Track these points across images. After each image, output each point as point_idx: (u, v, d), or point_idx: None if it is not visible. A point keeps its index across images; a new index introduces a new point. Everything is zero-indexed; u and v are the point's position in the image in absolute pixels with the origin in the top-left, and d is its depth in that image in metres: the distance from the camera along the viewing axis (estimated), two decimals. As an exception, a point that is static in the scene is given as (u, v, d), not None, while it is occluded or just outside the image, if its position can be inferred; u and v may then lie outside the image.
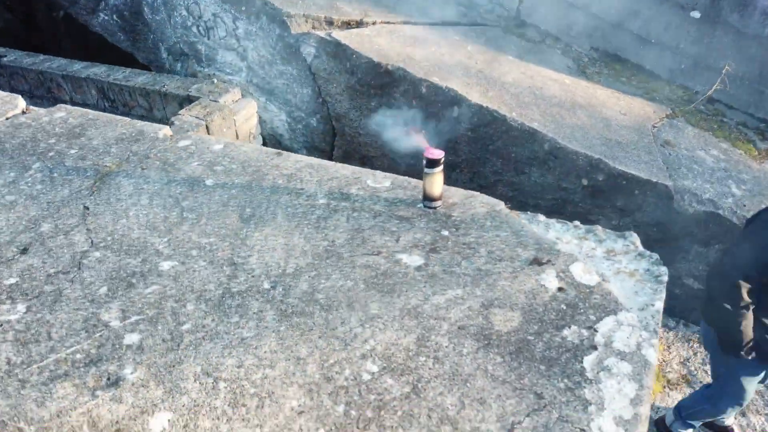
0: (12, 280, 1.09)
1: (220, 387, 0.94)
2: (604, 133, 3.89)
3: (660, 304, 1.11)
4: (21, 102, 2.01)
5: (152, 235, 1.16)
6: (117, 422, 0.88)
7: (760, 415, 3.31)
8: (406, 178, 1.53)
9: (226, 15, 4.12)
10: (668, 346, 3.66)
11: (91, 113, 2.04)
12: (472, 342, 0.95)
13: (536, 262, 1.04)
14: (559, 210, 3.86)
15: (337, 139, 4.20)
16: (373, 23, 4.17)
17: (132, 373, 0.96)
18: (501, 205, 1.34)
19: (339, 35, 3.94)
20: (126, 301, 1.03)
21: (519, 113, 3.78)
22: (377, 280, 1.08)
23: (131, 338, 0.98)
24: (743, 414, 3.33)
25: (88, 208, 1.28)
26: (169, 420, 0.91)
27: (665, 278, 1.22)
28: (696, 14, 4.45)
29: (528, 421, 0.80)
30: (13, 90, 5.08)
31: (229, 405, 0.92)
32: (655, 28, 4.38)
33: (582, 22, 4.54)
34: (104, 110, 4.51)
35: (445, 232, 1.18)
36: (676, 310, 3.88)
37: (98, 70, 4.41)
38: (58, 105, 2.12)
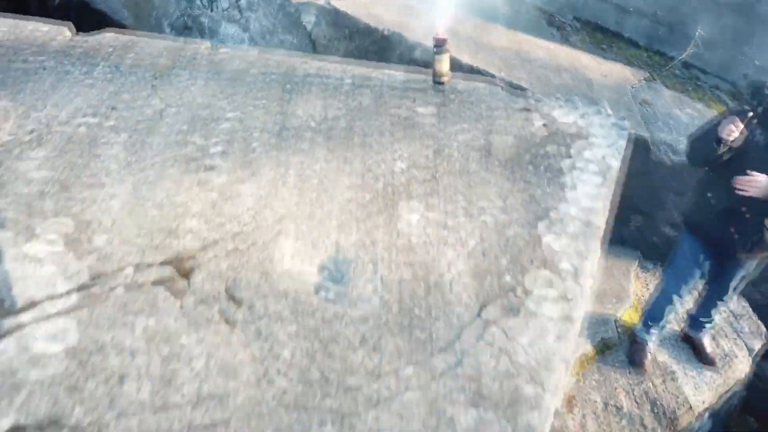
0: (111, 123, 1.39)
1: (290, 172, 1.26)
2: (587, 92, 4.29)
3: (623, 143, 1.47)
4: (70, 29, 2.32)
5: (214, 99, 1.49)
6: (216, 189, 1.19)
7: (729, 339, 3.63)
8: (419, 68, 1.87)
9: None
10: (647, 285, 4.00)
11: (138, 33, 2.38)
12: (476, 153, 1.31)
13: (525, 110, 1.43)
14: None
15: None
16: (370, -11, 4.53)
17: (222, 163, 1.26)
18: (497, 82, 1.69)
19: (338, 3, 4.29)
20: (205, 132, 1.36)
21: (507, 73, 4.12)
22: (400, 122, 1.42)
23: (215, 149, 1.29)
24: (713, 338, 3.64)
25: (155, 87, 1.61)
26: (254, 190, 1.22)
27: (628, 127, 1.55)
28: (669, -15, 4.78)
29: (519, 195, 1.16)
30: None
31: (297, 180, 1.23)
32: None
33: None
34: None
35: (453, 96, 1.56)
36: (654, 257, 4.17)
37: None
38: (104, 29, 2.44)
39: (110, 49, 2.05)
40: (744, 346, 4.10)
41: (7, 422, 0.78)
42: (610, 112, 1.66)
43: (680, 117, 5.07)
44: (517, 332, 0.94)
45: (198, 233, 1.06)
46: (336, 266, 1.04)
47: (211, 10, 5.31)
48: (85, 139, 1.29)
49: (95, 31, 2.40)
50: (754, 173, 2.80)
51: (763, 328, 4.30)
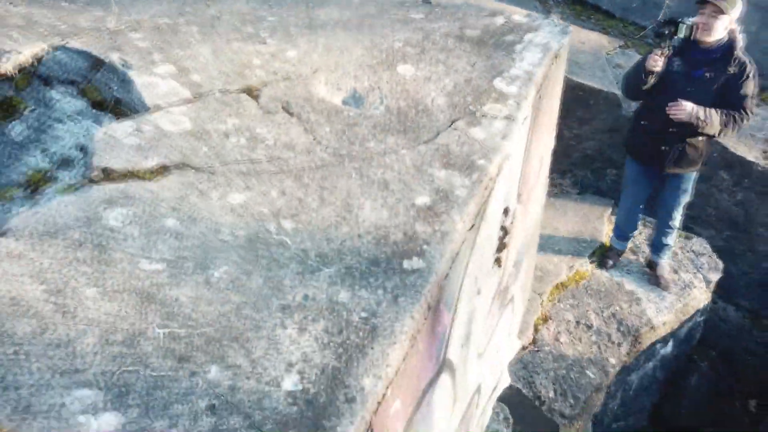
0: (183, 20, 1.84)
1: (319, 45, 1.72)
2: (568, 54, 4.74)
3: (566, 40, 1.95)
4: None
5: (255, 10, 1.93)
6: (269, 52, 1.64)
7: (689, 272, 4.12)
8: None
9: None
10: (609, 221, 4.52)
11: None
12: (452, 38, 1.85)
13: (491, 14, 1.87)
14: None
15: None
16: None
17: (271, 40, 1.71)
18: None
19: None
20: (255, 26, 1.79)
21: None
22: (398, 20, 1.89)
23: (264, 33, 1.73)
24: (675, 271, 4.13)
25: (209, 4, 2.05)
26: (295, 53, 1.69)
27: (570, 31, 2.05)
28: (640, -38, 5.28)
29: (483, 62, 1.68)
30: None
31: (324, 50, 1.69)
32: None
33: None
34: None
35: (437, 8, 2.01)
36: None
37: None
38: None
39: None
40: (702, 279, 4.63)
41: (155, 162, 1.27)
42: (559, 20, 2.14)
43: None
44: (475, 133, 1.43)
45: (260, 75, 1.53)
46: (354, 95, 1.53)
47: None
48: (168, 29, 1.76)
49: None
50: (681, 100, 3.40)
51: (721, 265, 4.83)
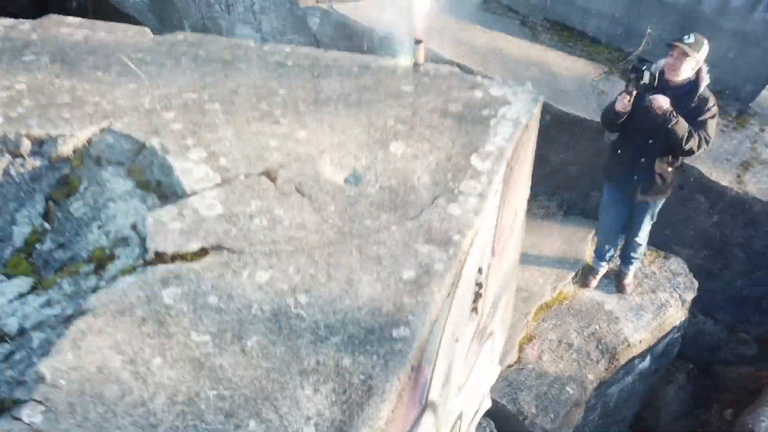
0: (206, 96, 2.16)
1: (324, 124, 2.04)
2: (552, 84, 5.12)
3: (536, 110, 2.28)
4: (150, 31, 3.05)
5: (267, 81, 2.27)
6: (283, 134, 1.99)
7: (666, 291, 4.44)
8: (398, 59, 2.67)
9: None
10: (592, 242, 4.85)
11: (199, 34, 3.16)
12: (437, 115, 2.13)
13: (472, 87, 2.20)
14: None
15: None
16: (366, -5, 5.33)
17: (283, 119, 2.04)
18: (456, 69, 2.50)
19: (338, 7, 5.07)
20: (267, 102, 2.13)
21: (484, 68, 4.94)
22: (391, 94, 2.22)
23: (276, 111, 2.04)
24: (653, 291, 4.44)
25: (227, 75, 2.39)
26: (304, 134, 2.01)
27: (540, 99, 2.37)
28: (624, -8, 5.60)
29: (462, 138, 2.01)
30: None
31: (329, 129, 2.03)
32: (595, 2, 5.50)
33: None
34: None
35: (425, 78, 2.34)
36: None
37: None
38: (175, 32, 3.21)
39: (185, 47, 2.82)
40: (678, 298, 4.98)
41: (196, 245, 1.60)
42: (531, 88, 2.44)
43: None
44: (453, 210, 1.75)
45: (276, 158, 1.84)
46: (354, 174, 1.85)
47: (228, 14, 6.13)
48: (195, 106, 2.08)
49: (168, 34, 3.16)
50: (660, 96, 3.82)
51: (696, 284, 5.17)
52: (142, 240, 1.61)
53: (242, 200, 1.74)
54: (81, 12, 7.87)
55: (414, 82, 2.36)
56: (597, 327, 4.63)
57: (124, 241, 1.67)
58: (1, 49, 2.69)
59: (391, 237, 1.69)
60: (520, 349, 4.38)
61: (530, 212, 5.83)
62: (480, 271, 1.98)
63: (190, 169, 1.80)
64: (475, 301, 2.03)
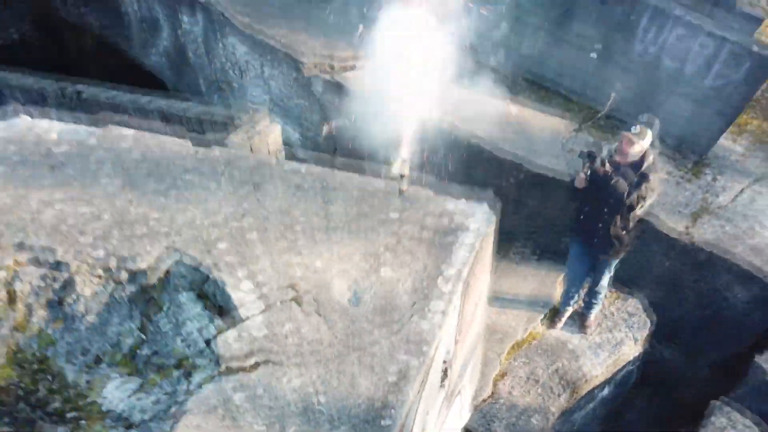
0: (246, 224, 3.04)
1: (333, 251, 2.89)
2: (528, 144, 5.95)
3: (491, 228, 3.11)
4: (190, 142, 3.85)
5: (289, 206, 3.14)
6: (304, 261, 2.84)
7: (621, 331, 5.26)
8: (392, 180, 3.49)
9: (257, 61, 6.15)
10: (560, 284, 5.63)
11: (231, 152, 4.00)
12: (415, 242, 2.95)
13: (441, 214, 3.03)
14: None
15: (336, 152, 6.13)
16: (364, 64, 6.06)
17: (303, 248, 2.90)
18: (431, 192, 3.34)
19: (338, 77, 5.91)
20: (291, 231, 2.98)
21: (466, 126, 5.69)
22: (381, 222, 3.09)
23: (300, 239, 2.94)
24: (610, 330, 5.26)
25: (260, 200, 3.23)
26: (320, 262, 2.86)
27: (493, 219, 3.21)
28: (593, 55, 6.40)
29: (431, 261, 2.81)
30: (91, 119, 6.90)
31: (336, 256, 2.88)
32: (567, 64, 6.36)
33: (515, 58, 6.40)
34: (166, 133, 6.34)
35: (408, 203, 3.17)
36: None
37: (160, 103, 6.27)
38: (212, 147, 4.03)
39: (222, 166, 3.62)
40: (632, 337, 5.83)
41: (252, 360, 2.44)
42: (487, 209, 3.25)
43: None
44: (423, 325, 2.58)
45: (302, 285, 2.67)
46: (356, 296, 2.68)
47: (241, 77, 6.95)
48: (239, 236, 2.91)
49: (206, 146, 3.93)
50: (620, 180, 4.68)
51: (649, 323, 6.01)
52: (215, 355, 2.46)
53: (279, 322, 2.58)
54: (102, 66, 8.70)
55: (399, 209, 3.20)
56: (561, 364, 5.48)
57: (201, 353, 2.51)
58: (80, 169, 3.54)
59: (381, 349, 2.53)
60: (494, 385, 5.22)
61: (508, 256, 6.69)
62: (445, 361, 2.82)
63: (242, 299, 2.64)
64: (442, 380, 2.88)
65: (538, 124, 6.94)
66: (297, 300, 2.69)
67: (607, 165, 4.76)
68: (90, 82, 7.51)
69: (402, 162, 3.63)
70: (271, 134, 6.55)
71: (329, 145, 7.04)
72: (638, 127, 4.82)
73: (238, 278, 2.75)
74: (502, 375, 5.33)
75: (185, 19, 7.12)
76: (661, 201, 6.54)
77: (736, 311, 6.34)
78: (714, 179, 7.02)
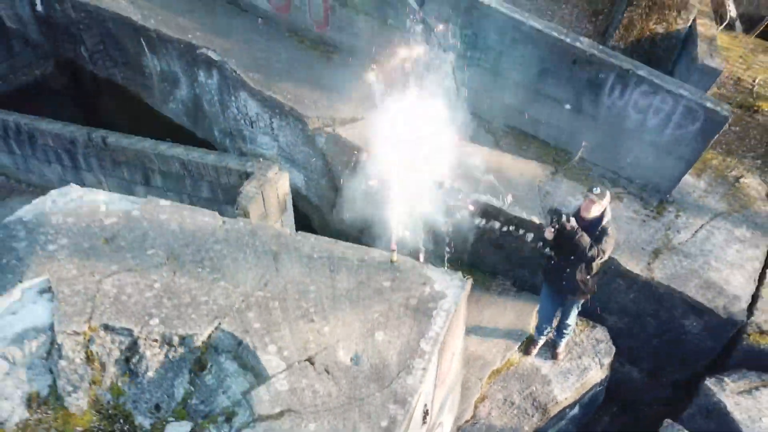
0: (268, 293, 3.88)
1: (338, 319, 3.68)
2: (507, 189, 6.56)
3: (464, 294, 3.90)
4: (220, 216, 4.63)
5: (301, 276, 3.85)
6: (316, 328, 3.64)
7: (589, 357, 6.04)
8: (385, 253, 4.27)
9: (266, 114, 6.95)
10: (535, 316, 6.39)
11: (253, 223, 4.79)
12: (403, 308, 3.76)
13: (424, 283, 3.83)
14: (479, 241, 6.52)
15: (337, 193, 6.93)
16: (361, 119, 6.87)
17: (315, 317, 3.69)
18: (417, 263, 4.12)
19: (339, 131, 6.76)
20: (306, 300, 3.80)
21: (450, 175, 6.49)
22: (377, 291, 3.88)
23: (311, 309, 3.74)
24: (579, 357, 6.04)
25: (278, 269, 4.00)
26: (327, 328, 3.67)
27: (467, 288, 4.00)
28: (567, 106, 7.17)
29: (417, 327, 3.60)
30: (115, 163, 7.75)
31: (342, 323, 3.70)
32: (544, 114, 7.27)
33: (498, 107, 7.18)
34: (184, 177, 7.18)
35: (398, 273, 3.96)
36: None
37: (179, 150, 7.08)
38: (238, 218, 4.84)
39: (246, 237, 4.40)
40: (598, 362, 6.62)
41: (278, 410, 3.25)
42: (461, 280, 4.01)
43: (572, 202, 7.52)
44: (408, 380, 3.37)
45: (314, 348, 3.45)
46: (356, 356, 3.47)
47: (251, 127, 7.74)
48: (264, 305, 3.69)
49: (232, 218, 4.67)
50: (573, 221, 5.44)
51: (614, 349, 6.81)
52: (250, 406, 3.26)
53: (298, 380, 3.38)
54: (122, 108, 9.49)
55: (390, 278, 4.00)
56: (534, 388, 6.28)
57: (239, 403, 3.31)
58: (130, 241, 4.34)
59: (375, 401, 3.33)
60: (475, 407, 6.02)
61: (491, 289, 7.49)
62: (426, 404, 3.62)
63: (269, 360, 3.44)
64: (424, 419, 3.68)
65: (518, 168, 7.74)
66: (311, 360, 3.48)
67: (572, 221, 5.56)
68: (102, 123, 8.29)
69: (393, 253, 4.39)
70: (280, 181, 7.36)
71: (331, 186, 7.83)
72: (599, 189, 5.62)
73: (264, 343, 3.54)
74: (483, 398, 6.13)
75: (202, 74, 7.90)
76: (627, 240, 7.36)
77: (691, 338, 7.16)
78: (676, 216, 7.84)
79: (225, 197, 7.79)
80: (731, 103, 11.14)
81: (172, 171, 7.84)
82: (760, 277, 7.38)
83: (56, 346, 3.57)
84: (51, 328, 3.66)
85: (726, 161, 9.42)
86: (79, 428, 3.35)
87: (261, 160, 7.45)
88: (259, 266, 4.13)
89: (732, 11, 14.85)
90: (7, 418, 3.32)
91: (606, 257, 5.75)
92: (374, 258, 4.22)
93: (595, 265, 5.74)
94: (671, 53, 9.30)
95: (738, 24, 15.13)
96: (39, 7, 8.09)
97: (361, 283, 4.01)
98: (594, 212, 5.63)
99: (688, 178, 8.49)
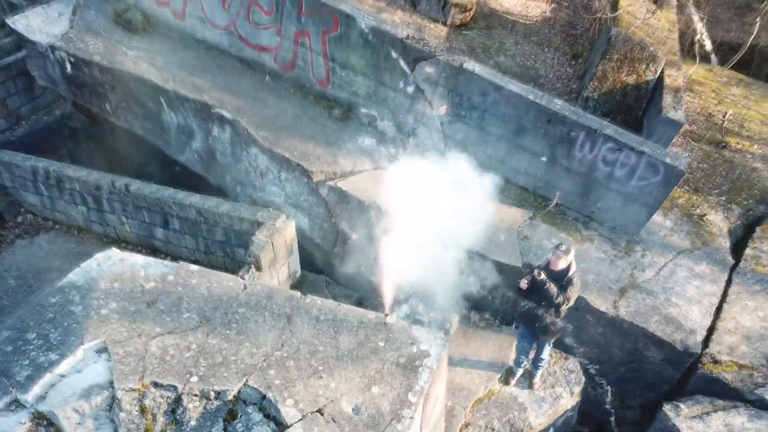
0: (284, 353, 4.78)
1: (341, 375, 4.55)
2: (491, 235, 7.41)
3: (444, 352, 4.78)
4: (241, 279, 5.52)
5: (311, 337, 4.70)
6: (324, 383, 4.53)
7: (561, 386, 6.90)
8: (379, 314, 5.14)
9: (275, 168, 7.83)
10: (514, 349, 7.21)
11: (271, 287, 5.68)
12: (393, 366, 4.65)
13: (412, 343, 4.71)
14: (463, 285, 7.42)
15: (338, 235, 7.84)
16: (360, 171, 7.75)
17: (323, 373, 4.59)
18: (405, 323, 5.00)
19: (339, 183, 7.58)
20: (315, 354, 4.70)
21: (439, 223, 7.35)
22: (372, 350, 4.76)
23: (320, 366, 4.63)
24: (552, 386, 6.93)
25: (291, 330, 4.86)
26: (334, 383, 4.57)
27: (447, 345, 4.88)
28: (544, 158, 8.05)
29: (406, 382, 4.52)
30: (137, 207, 8.66)
31: (344, 379, 4.58)
32: (523, 164, 8.28)
33: (483, 158, 8.08)
34: (200, 222, 8.07)
35: (389, 332, 4.84)
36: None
37: (195, 199, 7.96)
38: (259, 283, 5.73)
39: (264, 300, 5.27)
40: (569, 391, 7.51)
41: None
42: (442, 339, 4.87)
43: (548, 246, 8.39)
44: (398, 428, 4.27)
45: (323, 402, 4.30)
46: (356, 408, 4.35)
47: (261, 178, 8.62)
48: (282, 365, 4.56)
49: (253, 281, 5.56)
50: (542, 274, 6.32)
51: (583, 380, 7.70)
52: (275, 451, 4.14)
53: (310, 427, 4.26)
54: (140, 155, 10.38)
55: (384, 338, 4.87)
56: (512, 415, 7.18)
57: (265, 449, 4.20)
58: (168, 305, 5.23)
59: (372, 443, 4.22)
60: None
61: (476, 323, 8.38)
62: (412, 445, 4.51)
63: (288, 412, 4.33)
64: (411, 456, 4.57)
65: (498, 216, 8.63)
66: (321, 411, 4.37)
67: (542, 274, 6.46)
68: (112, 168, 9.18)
69: (386, 318, 5.25)
70: (287, 229, 8.26)
71: (333, 230, 8.72)
72: (565, 246, 6.52)
73: (284, 397, 4.42)
74: (467, 425, 7.02)
75: (215, 129, 8.78)
76: (597, 279, 8.25)
77: (653, 367, 8.07)
78: (642, 255, 8.74)
79: (237, 240, 8.68)
80: (701, 140, 12.08)
81: (189, 217, 8.73)
82: (717, 310, 8.30)
83: (116, 401, 4.46)
84: (111, 384, 4.56)
85: (692, 199, 10.32)
86: (137, 468, 4.24)
87: (270, 210, 8.34)
88: (276, 328, 5.02)
89: (707, 45, 15.81)
90: (81, 461, 4.20)
91: (571, 303, 6.66)
92: (370, 320, 5.11)
93: (562, 310, 6.65)
94: (641, 102, 10.22)
95: (713, 57, 16.09)
96: (69, 69, 8.95)
97: (360, 343, 4.89)
98: (561, 265, 6.53)
99: (656, 218, 9.40)
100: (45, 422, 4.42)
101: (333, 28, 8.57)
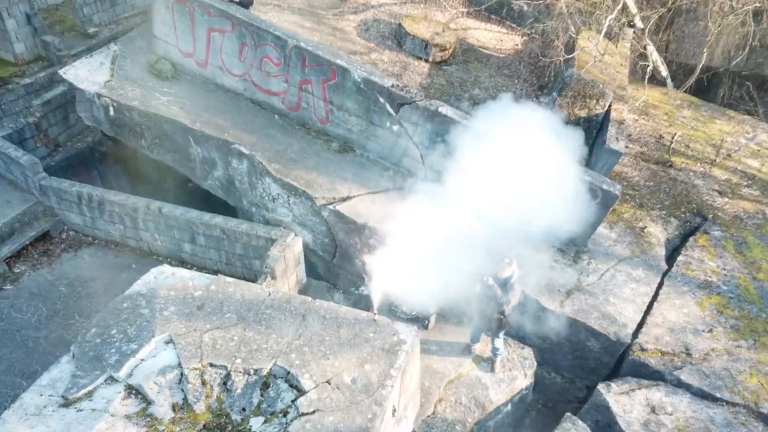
0: (298, 350, 6.67)
1: (340, 362, 6.41)
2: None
3: (416, 341, 6.67)
4: (269, 285, 7.42)
5: (323, 335, 6.50)
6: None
7: (517, 369, 8.77)
8: (371, 313, 7.04)
9: (285, 194, 9.71)
10: (486, 342, 9.05)
11: (286, 293, 7.61)
12: (382, 351, 6.52)
13: (394, 333, 6.60)
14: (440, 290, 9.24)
15: (337, 248, 9.72)
16: (356, 195, 9.63)
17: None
18: (387, 320, 6.89)
19: (338, 207, 9.47)
20: (322, 344, 6.52)
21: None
22: (363, 341, 6.61)
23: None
24: (510, 370, 8.83)
25: (306, 325, 6.76)
26: (332, 369, 6.48)
27: (418, 338, 6.75)
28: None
29: (389, 362, 6.40)
30: (168, 226, 10.55)
31: (345, 365, 6.47)
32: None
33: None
34: (223, 239, 9.94)
35: (378, 327, 6.75)
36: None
37: (219, 220, 9.84)
38: (277, 291, 7.67)
39: (284, 303, 7.10)
40: (524, 373, 9.43)
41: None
42: (416, 332, 6.66)
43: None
44: (383, 392, 6.14)
45: (331, 375, 6.21)
46: (353, 379, 6.23)
47: (273, 202, 10.52)
48: (300, 350, 6.41)
49: (274, 289, 7.22)
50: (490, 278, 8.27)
51: (535, 364, 9.62)
52: (296, 407, 6.03)
53: (321, 393, 6.17)
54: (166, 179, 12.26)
55: (374, 331, 6.76)
56: (476, 393, 9.09)
57: (290, 406, 6.10)
58: (213, 308, 7.14)
59: (364, 404, 6.13)
60: (434, 406, 8.82)
61: (451, 321, 10.28)
62: (394, 405, 6.40)
63: (305, 383, 6.23)
64: (393, 413, 6.47)
65: (473, 231, 10.52)
66: (329, 382, 6.26)
67: (490, 280, 8.38)
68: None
69: (375, 319, 7.14)
70: (296, 244, 10.16)
71: (333, 245, 10.63)
72: (508, 258, 8.44)
73: (302, 372, 6.32)
74: (440, 400, 8.93)
75: (234, 161, 10.65)
76: (548, 283, 10.16)
77: (594, 354, 10.01)
78: (588, 263, 10.68)
79: (254, 254, 10.57)
80: (649, 160, 14.01)
81: (213, 234, 10.61)
82: (648, 308, 10.24)
83: (184, 376, 6.36)
84: (179, 365, 6.46)
85: (636, 214, 12.27)
86: (201, 422, 6.13)
87: (281, 228, 10.23)
88: (294, 324, 6.93)
89: (663, 71, 17.79)
90: (163, 416, 6.08)
91: (515, 303, 8.58)
92: (363, 318, 7.03)
93: (506, 309, 8.57)
94: (592, 132, 12.16)
95: (669, 81, 18.08)
96: (112, 113, 10.79)
97: (356, 334, 6.80)
98: (506, 273, 8.47)
99: (602, 230, 11.34)
100: (134, 392, 6.31)
101: (331, 77, 10.47)
